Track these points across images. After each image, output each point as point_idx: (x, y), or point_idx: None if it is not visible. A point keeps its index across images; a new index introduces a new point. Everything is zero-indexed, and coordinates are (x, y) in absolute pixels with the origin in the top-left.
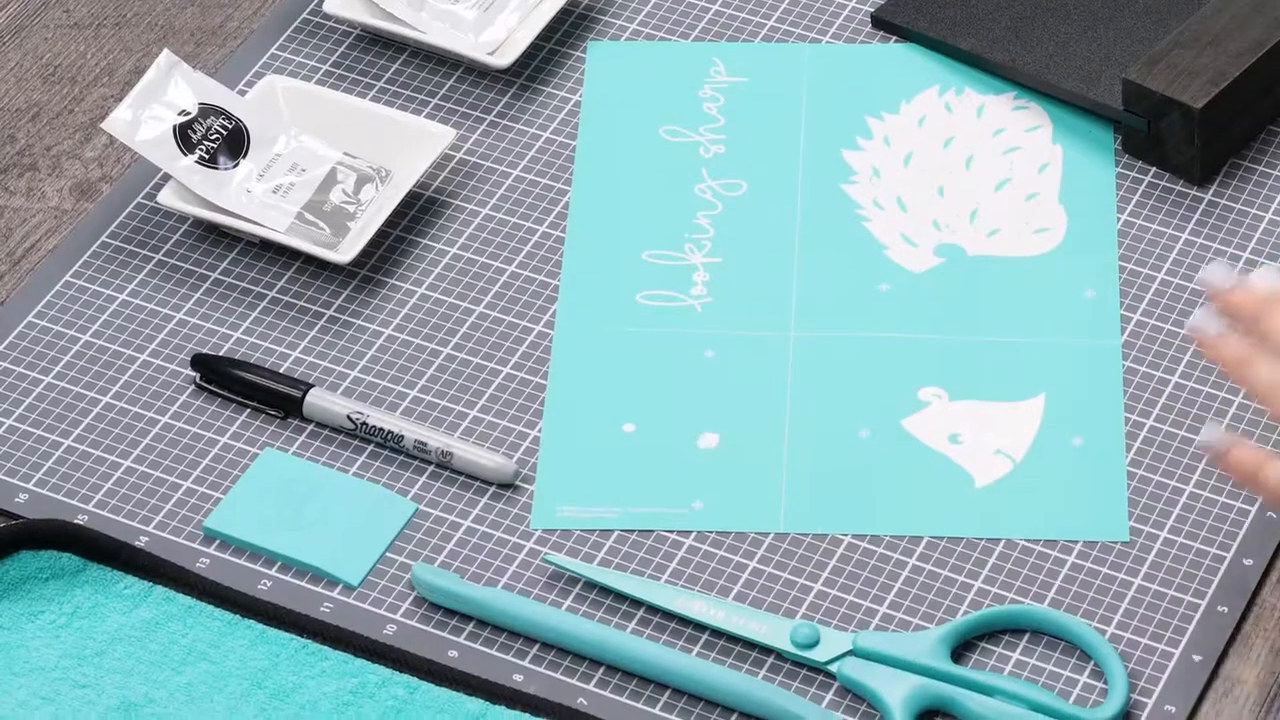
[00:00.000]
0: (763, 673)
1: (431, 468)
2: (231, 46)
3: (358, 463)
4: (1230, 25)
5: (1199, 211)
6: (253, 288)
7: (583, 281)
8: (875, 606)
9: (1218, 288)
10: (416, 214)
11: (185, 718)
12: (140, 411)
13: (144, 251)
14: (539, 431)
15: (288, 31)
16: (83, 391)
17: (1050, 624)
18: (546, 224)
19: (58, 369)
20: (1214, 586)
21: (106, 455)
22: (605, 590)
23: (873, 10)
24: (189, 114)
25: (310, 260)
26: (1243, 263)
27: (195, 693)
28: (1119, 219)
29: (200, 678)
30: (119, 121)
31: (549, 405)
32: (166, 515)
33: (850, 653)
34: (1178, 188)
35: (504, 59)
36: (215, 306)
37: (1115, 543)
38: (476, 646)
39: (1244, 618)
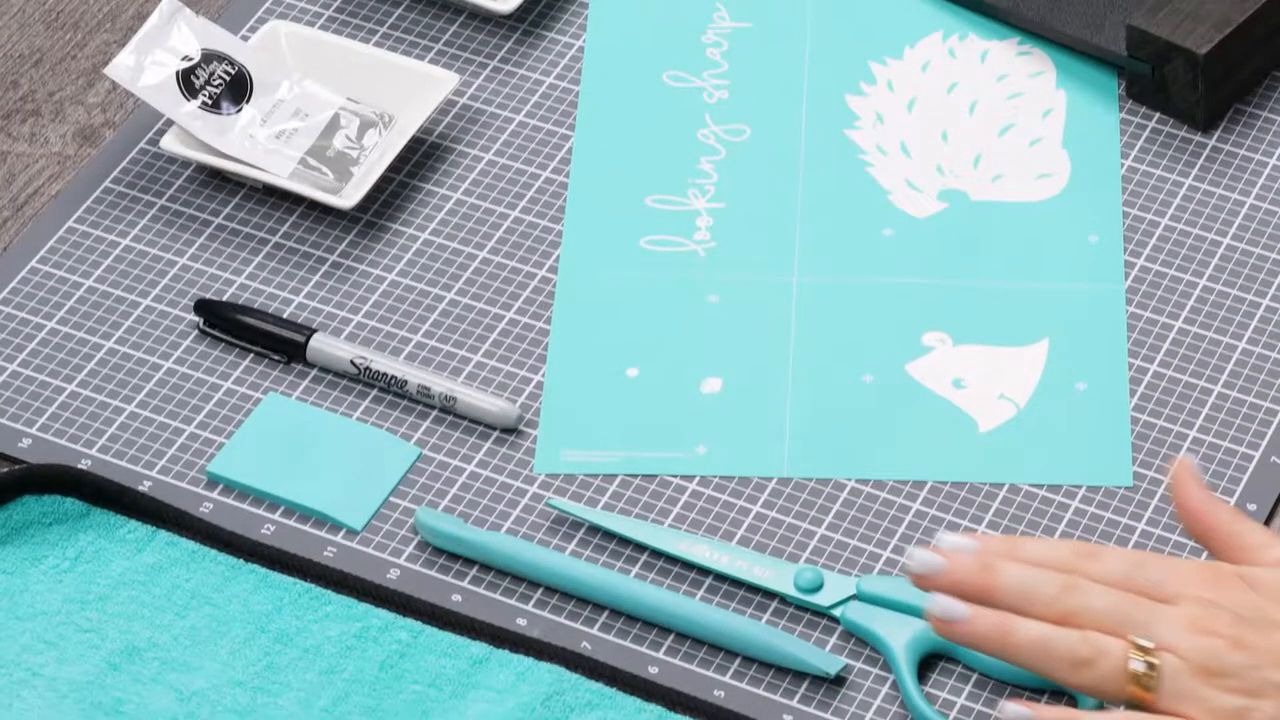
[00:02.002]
0: (766, 617)
1: (435, 412)
2: None
3: (361, 407)
4: None
5: (1202, 157)
6: (256, 233)
7: (586, 227)
8: (879, 551)
9: (929, 568)
10: (420, 159)
11: (189, 662)
12: (144, 357)
13: (147, 197)
14: (542, 376)
15: None
16: (86, 337)
17: None
18: (550, 169)
19: (61, 314)
20: None
21: (110, 400)
22: (608, 534)
23: None
24: (192, 59)
25: (313, 206)
26: (1246, 208)
27: (199, 637)
28: (1123, 164)
29: (204, 622)
30: (122, 67)
31: (552, 350)
32: (170, 460)
33: (854, 597)
34: (1181, 133)
35: (507, 4)
36: (218, 252)
37: (1119, 487)
38: (480, 591)
39: None
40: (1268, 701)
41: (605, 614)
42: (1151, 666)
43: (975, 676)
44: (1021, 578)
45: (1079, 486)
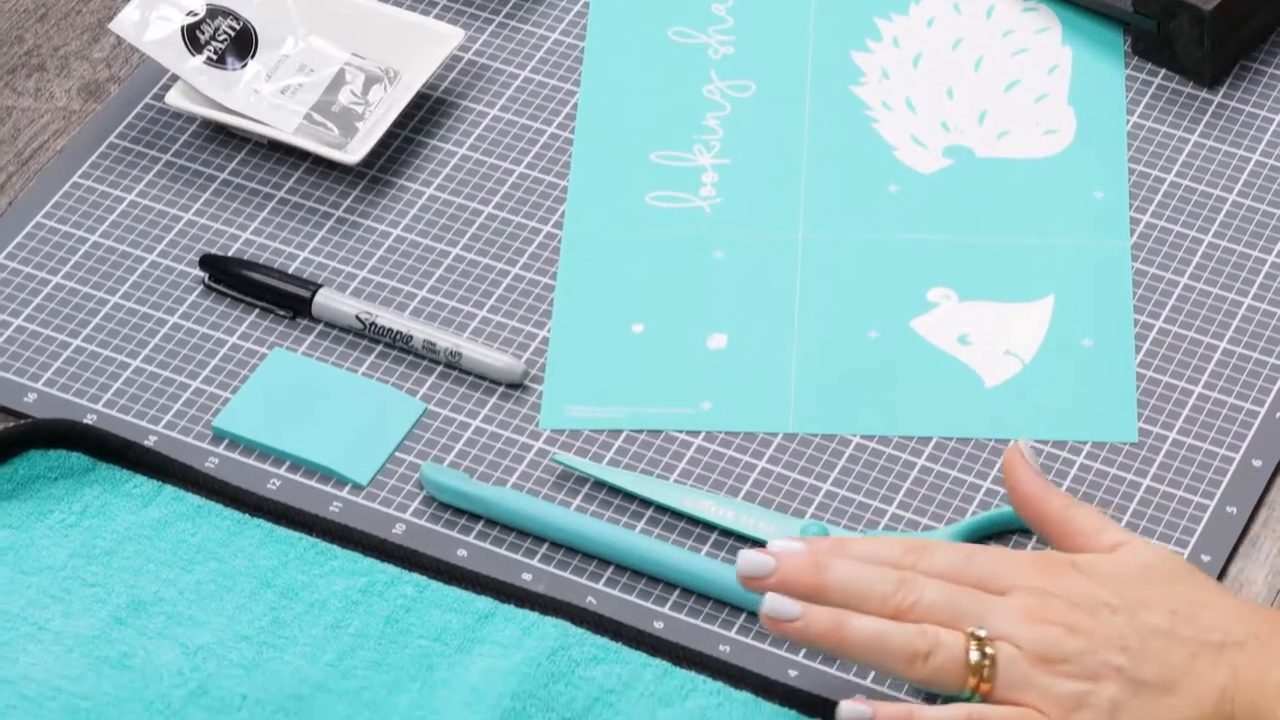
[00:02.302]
0: None
1: (440, 368)
2: None
3: (366, 363)
4: None
5: (1208, 114)
6: (261, 188)
7: (591, 182)
8: (884, 506)
9: (759, 570)
10: (425, 115)
11: (195, 616)
12: (149, 312)
13: (152, 152)
14: (548, 332)
15: None
16: (91, 292)
17: None
18: (555, 125)
19: (66, 269)
20: (1223, 487)
21: (115, 355)
22: (614, 490)
23: None
24: (197, 15)
25: (318, 161)
26: (1251, 164)
27: (204, 591)
28: (1128, 121)
29: (209, 576)
30: (127, 22)
31: (558, 305)
32: (175, 415)
33: None
34: (1187, 90)
35: None
36: (224, 207)
37: (1124, 444)
38: (485, 545)
39: (1252, 519)
40: (1106, 684)
41: (610, 569)
42: (988, 656)
43: None
44: (854, 574)
45: (1084, 442)
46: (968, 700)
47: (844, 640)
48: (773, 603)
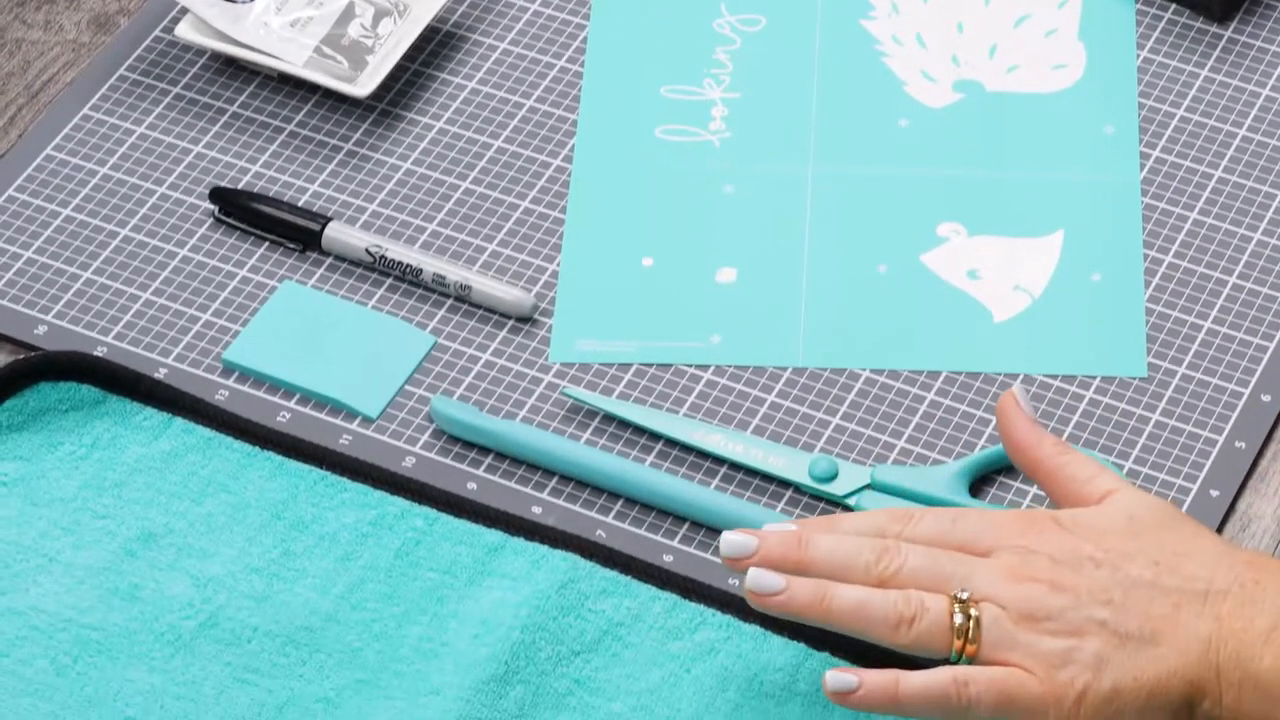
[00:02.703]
0: (781, 506)
1: (450, 301)
2: None
3: (376, 296)
4: None
5: (1218, 48)
6: (271, 121)
7: (601, 116)
8: (893, 440)
9: (744, 554)
10: (434, 48)
11: (205, 548)
12: (159, 244)
13: (161, 85)
14: (557, 265)
15: None
16: (101, 224)
17: None
18: (565, 58)
19: (76, 201)
20: (1231, 422)
21: (125, 288)
22: (623, 423)
23: None
24: None
25: (328, 94)
26: (1262, 99)
27: (215, 523)
28: (1138, 55)
29: (220, 509)
30: None
31: (567, 239)
32: (185, 348)
33: (868, 486)
34: (1197, 24)
35: None
36: (233, 140)
37: (1133, 378)
38: (495, 479)
39: (1261, 453)
40: (1090, 639)
41: (620, 502)
42: (971, 618)
43: None
44: (836, 546)
45: (1093, 377)
46: (954, 663)
47: (829, 610)
48: (755, 577)
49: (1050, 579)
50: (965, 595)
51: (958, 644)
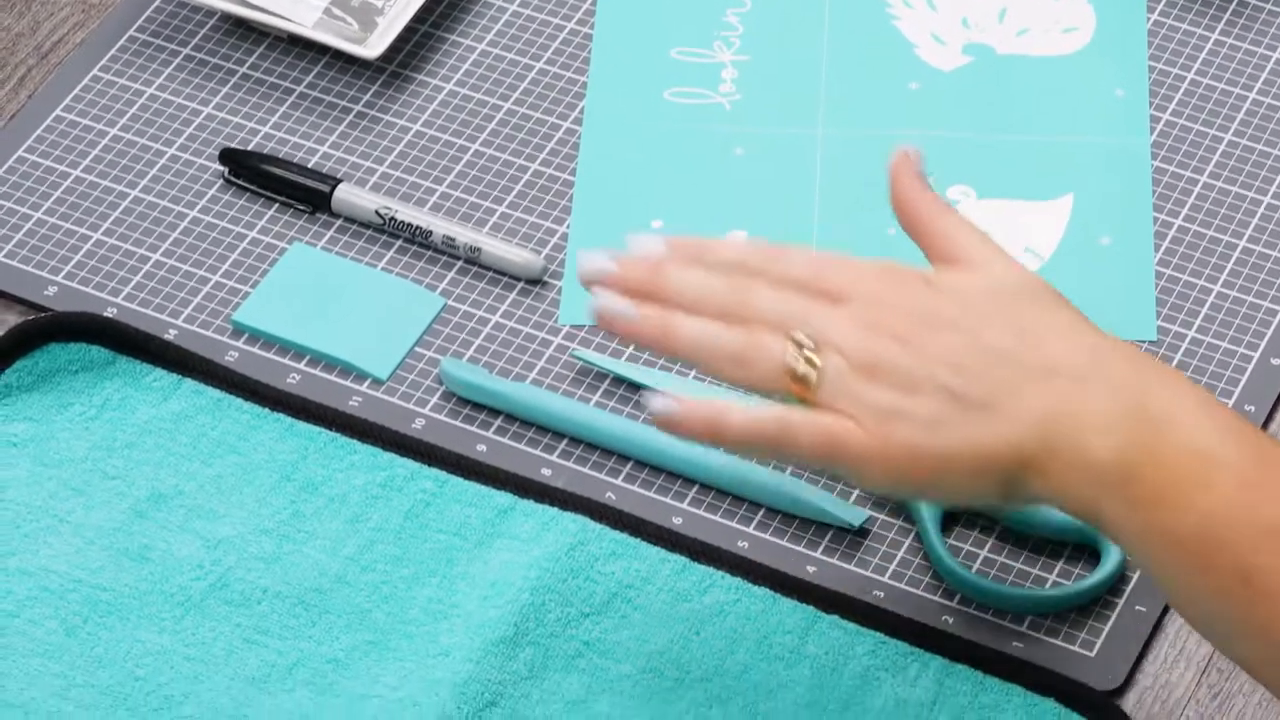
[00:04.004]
0: (790, 468)
1: (460, 263)
2: None
3: (386, 257)
4: None
5: (1229, 11)
6: (280, 82)
7: (611, 78)
8: None
9: (598, 273)
10: (445, 9)
11: (215, 509)
12: (169, 205)
13: (172, 46)
14: (567, 228)
15: None
16: (111, 185)
17: None
18: (575, 20)
19: (86, 162)
20: (1241, 385)
21: (135, 249)
22: (633, 385)
23: None
24: None
25: (338, 55)
26: (1272, 63)
27: (225, 485)
28: (1148, 18)
29: (230, 470)
30: None
31: (577, 201)
32: (195, 309)
33: None
34: None
35: None
36: (243, 101)
37: (1143, 341)
38: (505, 441)
39: (1271, 416)
40: (924, 399)
41: (629, 465)
42: (810, 363)
43: (998, 530)
44: (693, 279)
45: None
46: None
47: (670, 340)
48: (605, 300)
49: (902, 334)
50: (807, 340)
51: (795, 388)
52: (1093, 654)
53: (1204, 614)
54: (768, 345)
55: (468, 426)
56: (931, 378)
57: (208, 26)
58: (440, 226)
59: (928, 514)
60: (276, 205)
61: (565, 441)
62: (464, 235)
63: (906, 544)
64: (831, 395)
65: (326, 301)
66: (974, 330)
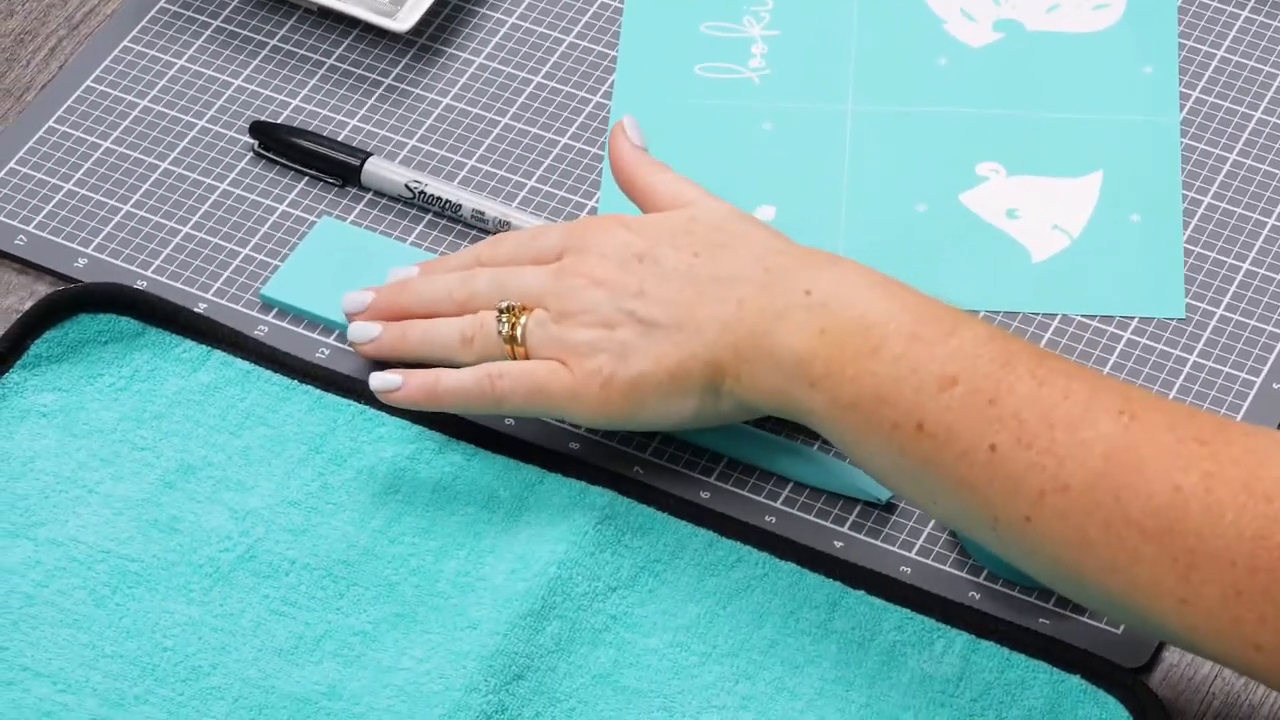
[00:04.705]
0: (817, 444)
1: (488, 237)
2: None
3: (415, 231)
4: None
5: None
6: (311, 55)
7: (641, 52)
8: None
9: (355, 305)
10: None
11: (244, 481)
12: (199, 178)
13: (202, 18)
14: (596, 202)
15: None
16: (141, 157)
17: None
18: None
19: (116, 134)
20: (1269, 364)
21: (165, 221)
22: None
23: None
24: None
25: (368, 28)
26: None
27: (253, 456)
28: None
29: (258, 441)
30: None
31: (606, 176)
32: (225, 282)
33: None
34: None
35: None
36: (274, 74)
37: (1171, 319)
38: None
39: None
40: (621, 330)
41: (658, 439)
42: (515, 324)
43: None
44: (426, 286)
45: (1131, 318)
46: None
47: (406, 347)
48: (354, 329)
49: (594, 275)
50: (507, 304)
51: (508, 349)
52: (1119, 631)
53: (899, 474)
54: (483, 319)
55: None
56: (620, 309)
57: None
58: (470, 200)
59: None
60: (306, 179)
61: None
62: (493, 209)
63: (933, 520)
64: (538, 346)
65: (355, 275)
66: (657, 258)
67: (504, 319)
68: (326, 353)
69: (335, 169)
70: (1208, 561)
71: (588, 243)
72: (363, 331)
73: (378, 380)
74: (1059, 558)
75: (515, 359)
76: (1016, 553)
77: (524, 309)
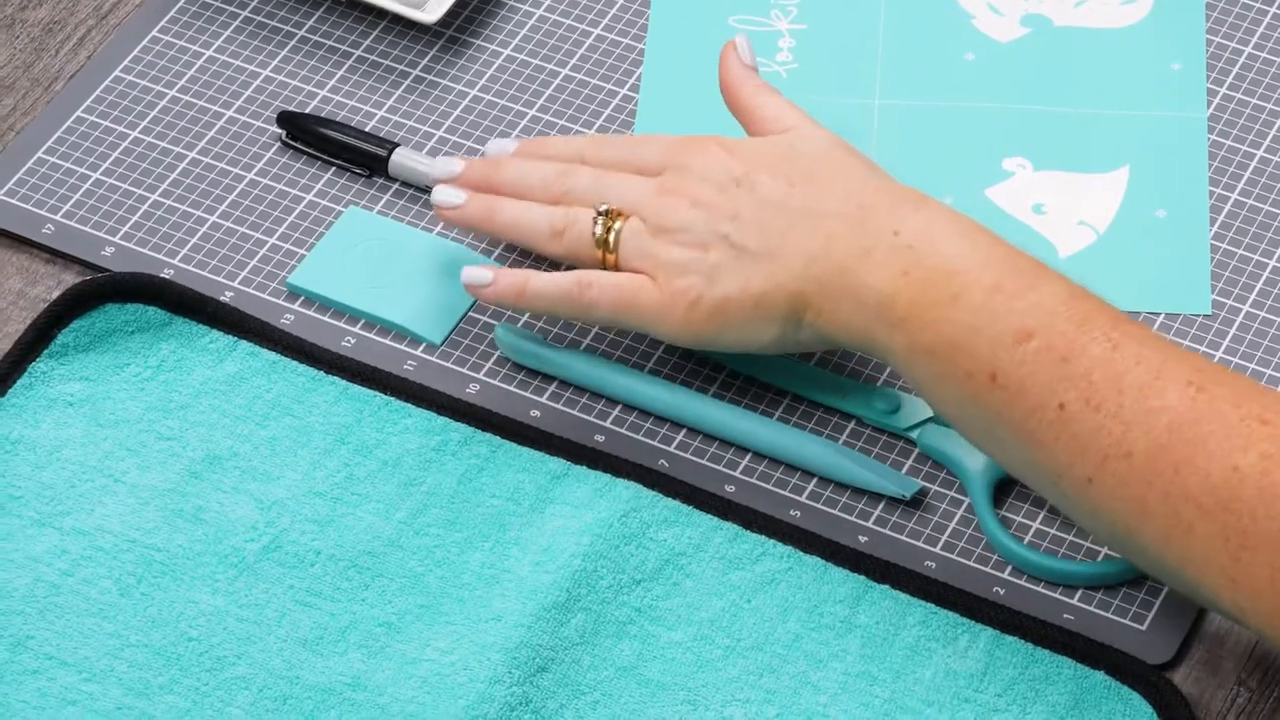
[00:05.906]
0: (843, 438)
1: None
2: None
3: (441, 222)
4: None
5: None
6: (339, 46)
7: (668, 46)
8: None
9: (445, 174)
10: None
11: (269, 471)
12: (226, 168)
13: (230, 8)
14: None
15: None
16: (169, 147)
17: None
18: None
19: (144, 124)
20: None
21: (192, 210)
22: (687, 353)
23: None
24: None
25: (396, 19)
26: None
27: (279, 447)
28: None
29: (284, 432)
30: None
31: None
32: (251, 271)
33: (931, 419)
34: None
35: None
36: (301, 64)
37: (1197, 315)
38: (558, 407)
39: None
40: (713, 252)
41: (683, 432)
42: (610, 229)
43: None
44: (522, 169)
45: (1157, 314)
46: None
47: (493, 222)
48: (438, 192)
49: (692, 195)
50: (606, 208)
51: (599, 254)
52: (1144, 627)
53: (970, 422)
54: (577, 217)
55: (522, 392)
56: (714, 232)
57: None
58: None
59: (980, 484)
60: (333, 169)
61: (619, 408)
62: None
63: (958, 515)
64: (629, 256)
65: (381, 265)
66: (753, 185)
67: (600, 221)
68: (352, 342)
69: (362, 159)
70: (1260, 543)
71: (690, 161)
72: (449, 196)
73: (470, 274)
74: (1117, 522)
75: (602, 263)
76: (1078, 512)
77: (619, 215)
